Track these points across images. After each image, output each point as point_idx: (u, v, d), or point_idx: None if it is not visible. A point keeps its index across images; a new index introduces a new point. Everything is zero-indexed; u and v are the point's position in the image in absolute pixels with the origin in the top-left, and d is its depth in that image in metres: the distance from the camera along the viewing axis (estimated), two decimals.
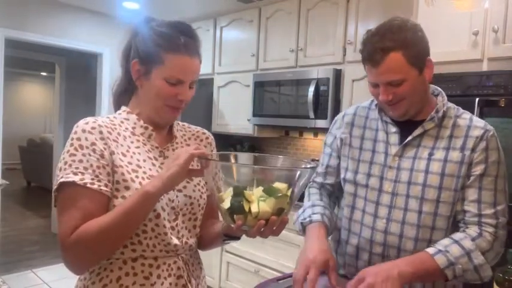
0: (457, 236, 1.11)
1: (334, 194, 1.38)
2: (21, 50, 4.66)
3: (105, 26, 4.11)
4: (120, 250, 0.97)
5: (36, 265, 3.93)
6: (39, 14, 3.76)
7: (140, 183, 0.97)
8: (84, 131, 0.96)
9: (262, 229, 0.87)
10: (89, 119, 1.00)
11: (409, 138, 1.18)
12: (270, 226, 0.87)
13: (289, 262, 2.73)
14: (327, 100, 2.77)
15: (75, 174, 0.92)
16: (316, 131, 3.30)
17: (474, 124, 1.16)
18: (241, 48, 3.50)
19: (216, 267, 3.27)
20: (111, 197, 0.95)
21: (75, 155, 0.94)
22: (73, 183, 0.91)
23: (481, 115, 1.82)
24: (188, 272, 1.06)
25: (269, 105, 3.19)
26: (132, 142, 1.03)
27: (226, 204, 0.87)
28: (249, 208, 0.85)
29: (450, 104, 1.22)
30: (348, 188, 1.28)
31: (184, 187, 1.06)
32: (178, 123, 1.18)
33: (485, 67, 1.90)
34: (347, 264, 1.29)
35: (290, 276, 1.18)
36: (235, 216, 0.87)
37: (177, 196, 1.04)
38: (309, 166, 0.95)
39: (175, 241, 1.02)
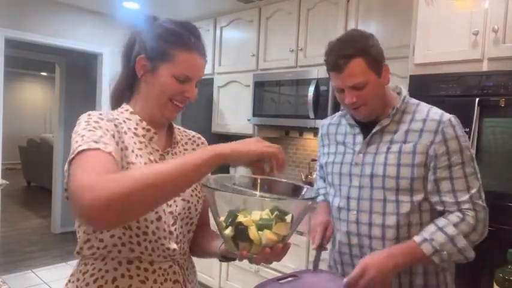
0: (441, 222, 1.18)
1: None
2: (21, 50, 4.66)
3: (105, 26, 4.11)
4: (117, 248, 0.95)
5: (36, 265, 3.93)
6: (39, 14, 3.76)
7: None
8: (101, 118, 0.94)
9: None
10: (95, 112, 0.97)
11: (369, 136, 1.29)
12: (275, 253, 0.85)
13: (289, 262, 2.73)
14: (327, 100, 2.77)
15: (96, 142, 0.84)
16: (316, 131, 3.28)
17: (430, 117, 1.23)
18: (241, 48, 3.51)
19: (216, 267, 3.27)
20: None
21: (93, 131, 0.88)
22: (97, 149, 0.82)
23: (481, 115, 1.82)
24: (184, 276, 1.05)
25: (269, 105, 3.19)
26: (135, 143, 1.01)
27: (230, 232, 0.84)
28: (254, 237, 0.83)
29: (412, 101, 1.30)
30: (330, 190, 1.41)
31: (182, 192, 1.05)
32: (175, 127, 1.16)
33: (485, 67, 1.89)
34: (337, 261, 1.38)
35: (290, 276, 1.23)
36: (240, 244, 0.84)
37: (174, 201, 1.02)
38: (310, 199, 0.92)
39: (173, 246, 1.01)
